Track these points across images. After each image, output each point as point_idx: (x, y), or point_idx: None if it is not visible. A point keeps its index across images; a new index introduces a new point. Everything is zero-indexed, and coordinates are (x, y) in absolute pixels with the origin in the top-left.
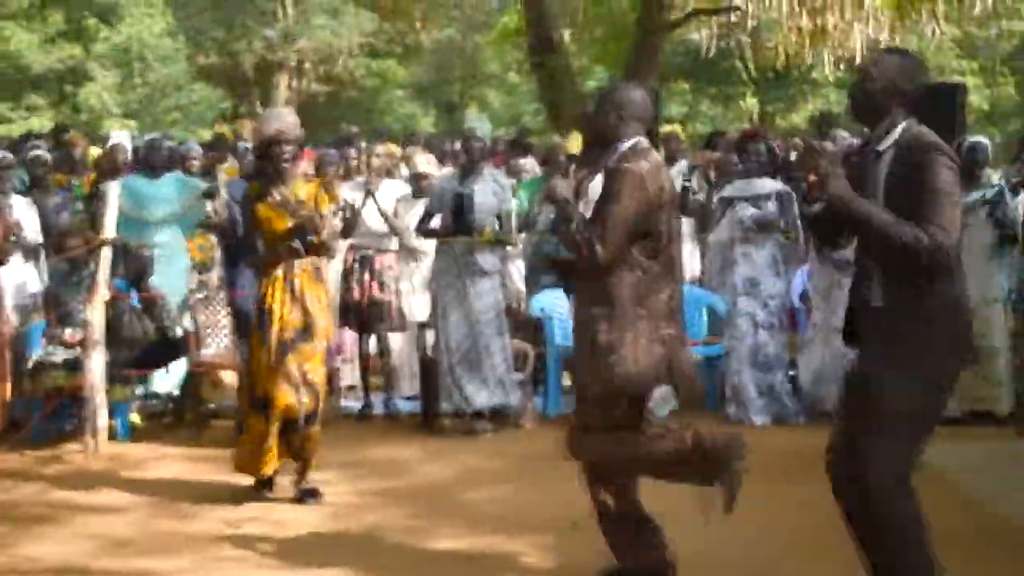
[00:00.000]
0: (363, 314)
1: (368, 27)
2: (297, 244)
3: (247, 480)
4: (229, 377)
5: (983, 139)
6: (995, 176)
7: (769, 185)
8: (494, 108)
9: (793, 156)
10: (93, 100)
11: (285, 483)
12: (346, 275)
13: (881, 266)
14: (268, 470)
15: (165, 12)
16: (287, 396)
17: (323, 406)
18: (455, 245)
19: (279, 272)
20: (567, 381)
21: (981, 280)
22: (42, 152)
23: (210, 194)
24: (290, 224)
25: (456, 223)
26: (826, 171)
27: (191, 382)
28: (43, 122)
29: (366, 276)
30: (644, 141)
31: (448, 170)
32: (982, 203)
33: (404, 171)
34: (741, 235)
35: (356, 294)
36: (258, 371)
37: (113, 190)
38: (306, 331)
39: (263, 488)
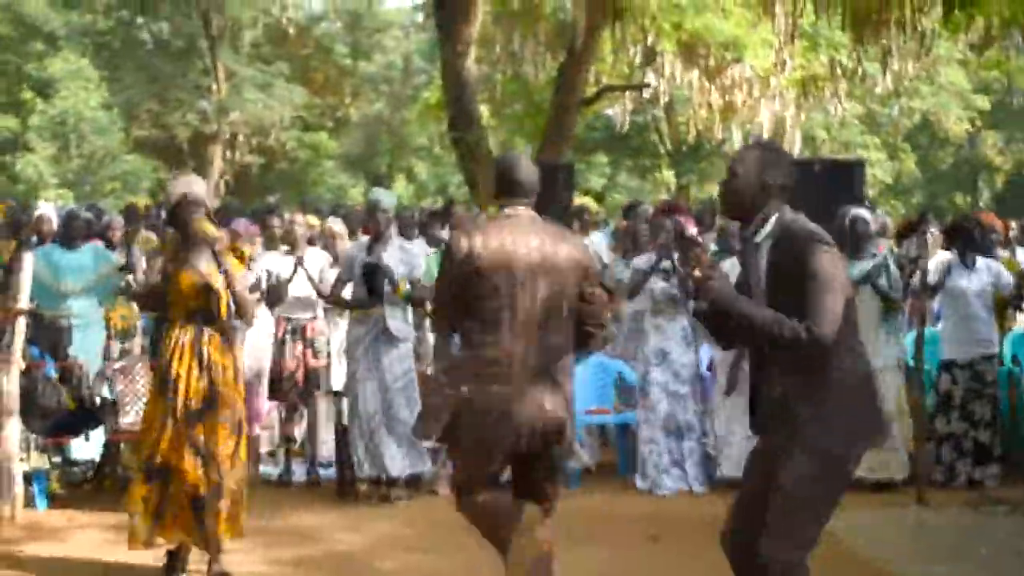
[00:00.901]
0: (298, 384)
1: (299, 101)
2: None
3: (161, 555)
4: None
5: (863, 212)
6: (886, 245)
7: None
8: (422, 179)
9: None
10: (30, 170)
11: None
12: (279, 346)
13: (773, 355)
14: (168, 541)
15: (100, 86)
16: (192, 468)
17: (227, 481)
18: (368, 314)
19: (186, 338)
20: None
21: (872, 348)
22: None
23: (126, 267)
24: (199, 284)
25: (368, 291)
26: (705, 274)
27: (110, 450)
28: None
29: (299, 346)
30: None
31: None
32: (864, 276)
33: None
34: (652, 307)
35: (291, 365)
36: (158, 439)
37: (28, 259)
38: (213, 401)
39: (175, 566)
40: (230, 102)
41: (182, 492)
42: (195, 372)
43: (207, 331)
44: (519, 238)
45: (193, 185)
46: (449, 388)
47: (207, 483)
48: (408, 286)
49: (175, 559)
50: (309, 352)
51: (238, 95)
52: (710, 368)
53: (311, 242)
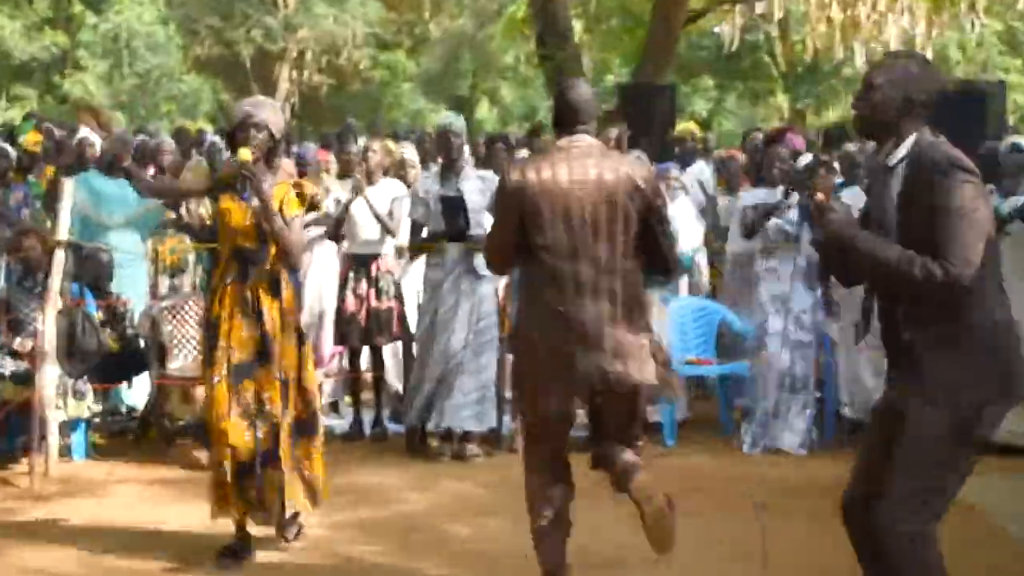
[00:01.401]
0: (363, 327)
1: (374, 16)
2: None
3: (203, 505)
4: (202, 391)
5: (1021, 140)
6: None
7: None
8: (507, 103)
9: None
10: (79, 91)
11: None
12: (342, 286)
13: (902, 297)
14: (230, 515)
15: None
16: (238, 432)
17: (284, 447)
18: (448, 252)
19: (230, 280)
20: None
21: (1018, 298)
22: (4, 145)
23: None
24: (247, 217)
25: (447, 228)
26: (825, 202)
27: (157, 397)
28: (21, 114)
29: (363, 284)
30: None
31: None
32: (1017, 212)
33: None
34: (764, 247)
35: (353, 305)
36: (209, 396)
37: (68, 187)
38: (262, 354)
39: (237, 545)
40: (298, 17)
41: (228, 460)
42: (239, 318)
43: (253, 272)
44: (575, 170)
45: (261, 108)
46: (516, 332)
47: (257, 450)
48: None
49: (241, 534)
50: (373, 293)
51: (307, 9)
52: (826, 305)
53: (387, 172)
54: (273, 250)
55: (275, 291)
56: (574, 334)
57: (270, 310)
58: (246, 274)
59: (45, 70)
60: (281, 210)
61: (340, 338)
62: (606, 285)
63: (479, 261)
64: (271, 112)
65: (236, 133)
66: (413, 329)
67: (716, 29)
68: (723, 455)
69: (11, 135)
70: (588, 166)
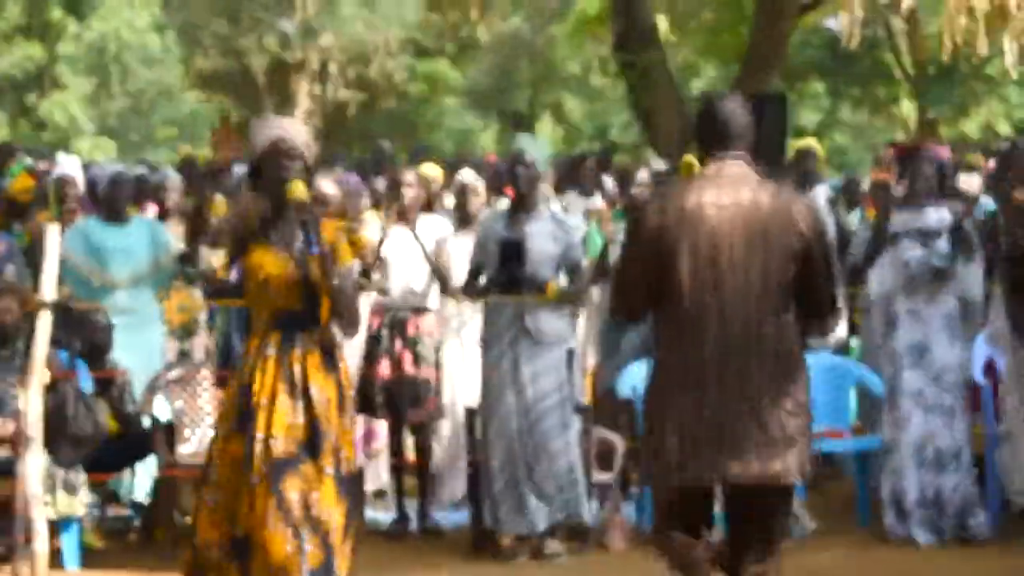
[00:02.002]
0: (391, 396)
1: (412, 18)
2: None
3: None
4: None
5: None
6: None
7: (940, 216)
8: (574, 118)
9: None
10: (59, 114)
11: None
12: (370, 345)
13: None
14: None
15: (150, 2)
16: (281, 543)
17: (338, 561)
18: (506, 307)
19: (271, 352)
20: None
21: None
22: None
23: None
24: (291, 275)
25: (507, 276)
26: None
27: (164, 487)
28: None
29: (397, 345)
30: None
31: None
32: None
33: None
34: (906, 284)
35: (384, 369)
36: (235, 497)
37: (52, 235)
38: (311, 444)
39: None
40: (320, 21)
41: None
42: (284, 401)
43: (301, 343)
44: (727, 202)
45: (289, 128)
46: (650, 388)
47: (302, 565)
48: (562, 280)
49: None
50: (410, 357)
51: (330, 12)
52: (988, 372)
53: (428, 206)
54: (324, 312)
55: (329, 364)
56: (717, 403)
57: (323, 388)
58: (291, 343)
59: (18, 89)
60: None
61: (362, 407)
62: (757, 342)
63: (540, 323)
64: (302, 133)
65: (264, 163)
66: (460, 401)
67: (829, 23)
68: (863, 550)
69: None
70: (742, 197)
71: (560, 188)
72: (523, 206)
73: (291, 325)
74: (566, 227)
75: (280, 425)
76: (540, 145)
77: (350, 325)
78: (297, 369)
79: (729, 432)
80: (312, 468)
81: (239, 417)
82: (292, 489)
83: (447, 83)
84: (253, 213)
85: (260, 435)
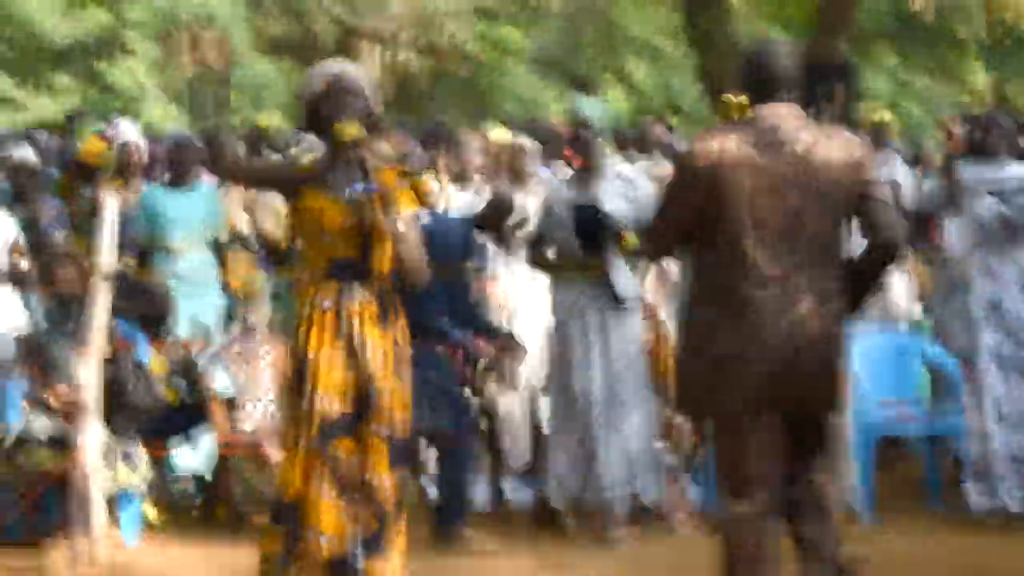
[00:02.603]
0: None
1: None
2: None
3: None
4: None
5: None
6: None
7: (1018, 172)
8: (641, 85)
9: None
10: (127, 80)
11: None
12: None
13: None
14: None
15: None
16: (332, 510)
17: (395, 525)
18: (580, 276)
19: (326, 305)
20: None
21: None
22: (28, 154)
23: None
24: (347, 218)
25: (580, 243)
26: None
27: (226, 463)
28: (60, 107)
29: None
30: None
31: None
32: None
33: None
34: (982, 240)
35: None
36: (290, 461)
37: (110, 204)
38: (365, 404)
39: None
40: None
41: (315, 545)
42: (337, 357)
43: (359, 294)
44: (776, 143)
45: (346, 69)
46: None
47: (359, 533)
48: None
49: None
50: None
51: None
52: None
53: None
54: (383, 261)
55: (386, 318)
56: (764, 334)
57: (378, 344)
58: (347, 295)
59: (86, 55)
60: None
61: None
62: (815, 280)
63: (621, 286)
64: (362, 76)
65: (320, 105)
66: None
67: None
68: (938, 533)
69: (62, 137)
70: (795, 139)
71: (627, 154)
72: (588, 170)
73: (347, 275)
74: (635, 184)
75: (332, 383)
76: (600, 108)
77: (414, 274)
78: (354, 323)
79: (777, 354)
80: (365, 430)
81: (295, 375)
82: (343, 452)
83: (516, 49)
84: (308, 159)
85: (314, 394)
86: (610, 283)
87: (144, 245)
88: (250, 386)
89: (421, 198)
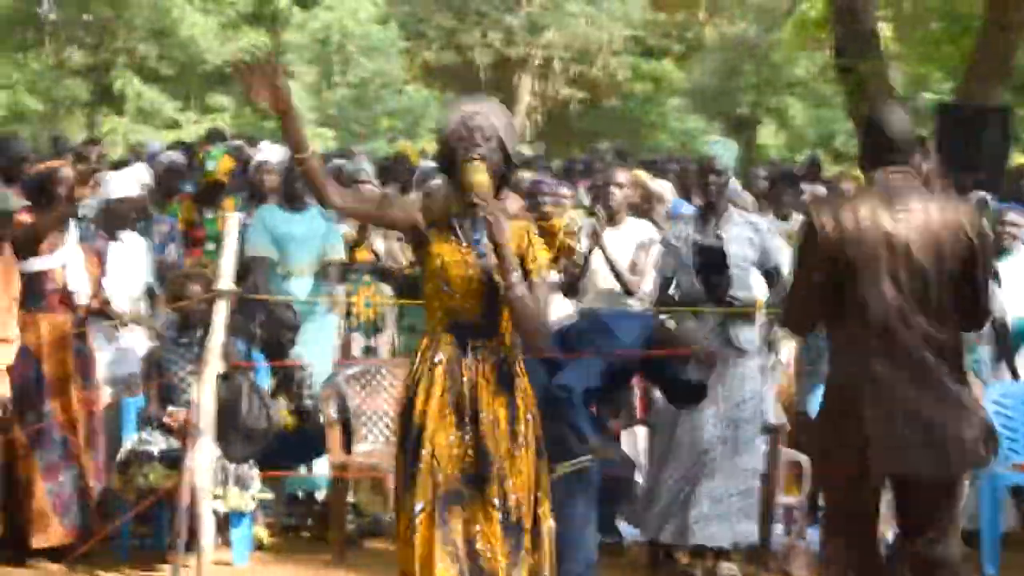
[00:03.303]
0: None
1: (637, 17)
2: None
3: None
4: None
5: None
6: None
7: None
8: (797, 124)
9: None
10: None
11: None
12: None
13: None
14: None
15: None
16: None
17: None
18: (704, 317)
19: (440, 358)
20: None
21: None
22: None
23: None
24: (472, 272)
25: (703, 285)
26: None
27: (337, 488)
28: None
29: None
30: None
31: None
32: None
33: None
34: None
35: None
36: (406, 528)
37: (232, 223)
38: (480, 476)
39: None
40: (545, 17)
41: None
42: (449, 419)
43: (480, 353)
44: (899, 214)
45: (486, 108)
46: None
47: None
48: (760, 282)
49: None
50: None
51: (556, 8)
52: None
53: (640, 211)
54: (506, 320)
55: (504, 381)
56: (892, 407)
57: (492, 409)
58: (464, 351)
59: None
60: (522, 264)
61: None
62: (932, 351)
63: (742, 332)
64: (500, 115)
65: (452, 142)
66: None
67: None
68: None
69: (191, 156)
70: (912, 209)
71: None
72: (714, 211)
73: (466, 329)
74: (761, 230)
75: (443, 448)
76: (731, 149)
77: (531, 340)
78: (466, 381)
79: (909, 432)
80: (479, 503)
81: (403, 431)
82: (456, 519)
83: (671, 83)
84: (438, 199)
85: (425, 456)
86: (728, 327)
87: (249, 264)
88: (368, 410)
89: (559, 244)
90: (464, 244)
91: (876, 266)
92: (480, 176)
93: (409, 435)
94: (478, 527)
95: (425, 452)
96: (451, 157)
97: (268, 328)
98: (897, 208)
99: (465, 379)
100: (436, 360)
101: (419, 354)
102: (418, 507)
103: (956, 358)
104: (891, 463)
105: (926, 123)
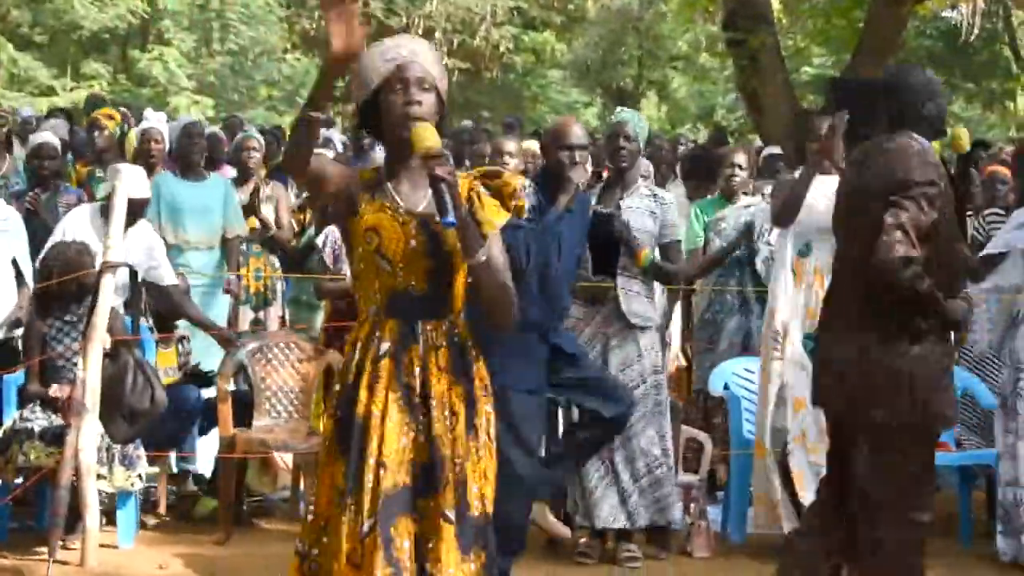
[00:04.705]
0: None
1: None
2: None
3: None
4: (287, 460)
5: None
6: None
7: None
8: (679, 98)
9: None
10: (159, 70)
11: None
12: None
13: None
14: None
15: None
16: None
17: None
18: (596, 293)
19: (384, 347)
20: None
21: None
22: (50, 138)
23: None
24: (416, 242)
25: (599, 257)
26: None
27: (228, 464)
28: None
29: None
30: None
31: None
32: None
33: None
34: None
35: None
36: (331, 537)
37: (121, 190)
38: (431, 474)
39: None
40: None
41: None
42: (396, 415)
43: (430, 334)
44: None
45: (418, 54)
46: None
47: None
48: (654, 252)
49: None
50: None
51: None
52: None
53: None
54: (458, 293)
55: (459, 369)
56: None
57: (446, 399)
58: (411, 337)
59: (122, 43)
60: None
61: None
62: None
63: (632, 304)
64: (433, 59)
65: (384, 96)
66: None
67: (947, 13)
68: (966, 572)
69: (70, 119)
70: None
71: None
72: (621, 180)
73: (412, 311)
74: (663, 202)
75: (391, 448)
76: (639, 119)
77: (499, 316)
78: (417, 371)
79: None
80: (429, 506)
81: (340, 433)
82: (404, 535)
83: (553, 56)
84: (363, 171)
85: (370, 460)
86: (618, 300)
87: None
88: (268, 385)
89: (509, 203)
90: (402, 211)
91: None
92: (431, 137)
93: (349, 435)
94: (430, 544)
95: (371, 458)
96: (383, 108)
97: (159, 302)
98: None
99: (417, 370)
100: (381, 350)
101: (356, 343)
102: (366, 525)
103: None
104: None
105: (807, 99)
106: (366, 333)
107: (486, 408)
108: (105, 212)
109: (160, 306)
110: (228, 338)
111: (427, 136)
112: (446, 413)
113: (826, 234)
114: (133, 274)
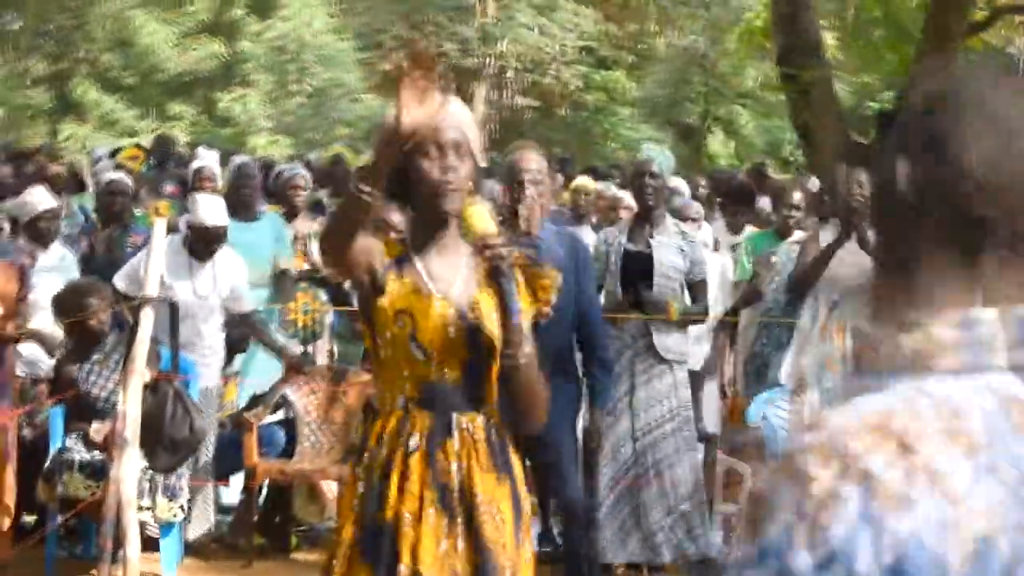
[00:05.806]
0: None
1: (589, 28)
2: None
3: None
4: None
5: None
6: None
7: None
8: (745, 133)
9: None
10: (239, 110)
11: None
12: None
13: None
14: None
15: (330, 2)
16: None
17: None
18: (625, 325)
19: (414, 443)
20: None
21: None
22: (119, 176)
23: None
24: (454, 329)
25: (628, 294)
26: None
27: (273, 493)
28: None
29: None
30: None
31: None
32: None
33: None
34: None
35: None
36: None
37: (159, 227)
38: None
39: None
40: (499, 28)
41: None
42: (434, 519)
43: (466, 428)
44: None
45: (454, 118)
46: None
47: None
48: (684, 292)
49: None
50: None
51: (509, 19)
52: None
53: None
54: (492, 387)
55: (500, 464)
56: None
57: (493, 502)
58: (446, 431)
59: (201, 86)
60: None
61: None
62: None
63: (666, 340)
64: (468, 122)
65: (414, 162)
66: None
67: (1011, 49)
68: None
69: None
70: None
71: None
72: (648, 219)
73: (447, 403)
74: (692, 240)
75: (429, 554)
76: (664, 155)
77: (531, 415)
78: (454, 469)
79: None
80: None
81: (365, 537)
82: None
83: (623, 93)
84: (390, 233)
85: (403, 569)
86: (651, 336)
87: None
88: (310, 415)
89: (540, 296)
90: (438, 296)
91: None
92: (490, 223)
93: (377, 542)
94: None
95: (404, 568)
96: (413, 176)
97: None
98: None
99: (453, 468)
100: (411, 447)
101: (379, 436)
102: None
103: None
104: None
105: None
106: (392, 427)
107: (527, 510)
108: (185, 242)
109: (236, 333)
110: (299, 365)
111: (483, 220)
112: (493, 512)
113: (853, 292)
114: (173, 308)
